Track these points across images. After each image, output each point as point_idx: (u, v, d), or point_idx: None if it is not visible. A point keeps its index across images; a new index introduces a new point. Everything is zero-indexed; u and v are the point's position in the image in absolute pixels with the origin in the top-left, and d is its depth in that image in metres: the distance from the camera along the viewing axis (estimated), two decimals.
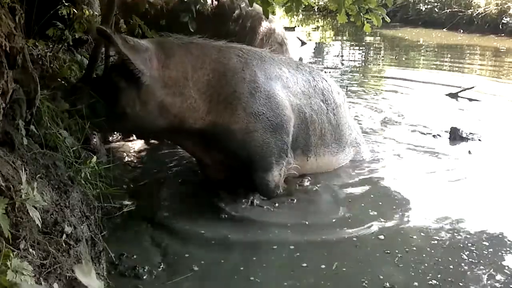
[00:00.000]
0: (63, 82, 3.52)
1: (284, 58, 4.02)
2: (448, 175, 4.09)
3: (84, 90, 3.14)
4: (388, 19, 4.86)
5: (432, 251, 2.95)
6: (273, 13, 5.86)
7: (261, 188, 3.57)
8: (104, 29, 2.97)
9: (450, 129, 5.06)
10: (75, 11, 3.71)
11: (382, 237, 3.11)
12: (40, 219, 1.75)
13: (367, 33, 15.04)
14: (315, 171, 3.98)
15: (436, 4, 16.55)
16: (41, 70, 3.56)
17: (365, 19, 4.56)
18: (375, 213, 3.43)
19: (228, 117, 3.32)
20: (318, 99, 3.87)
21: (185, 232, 3.10)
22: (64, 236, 2.11)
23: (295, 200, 3.62)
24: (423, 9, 16.93)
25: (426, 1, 16.34)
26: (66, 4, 3.81)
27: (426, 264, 2.81)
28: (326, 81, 4.07)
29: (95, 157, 2.86)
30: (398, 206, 3.55)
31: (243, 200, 3.50)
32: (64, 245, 2.08)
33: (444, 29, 15.81)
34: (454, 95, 6.81)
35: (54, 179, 2.48)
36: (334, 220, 3.34)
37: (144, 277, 2.59)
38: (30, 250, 1.88)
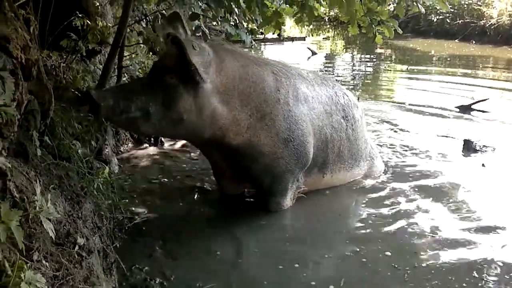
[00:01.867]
0: (76, 92, 3.54)
1: (311, 73, 3.91)
2: (462, 189, 4.04)
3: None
4: (400, 31, 4.85)
5: (443, 268, 2.90)
6: (283, 23, 5.87)
7: (274, 211, 3.56)
8: (178, 36, 2.79)
9: (463, 141, 5.02)
10: (89, 23, 3.74)
11: (388, 253, 3.06)
12: (53, 231, 1.75)
13: (378, 44, 15.12)
14: (327, 186, 3.94)
15: (448, 15, 16.49)
16: (55, 81, 3.59)
17: (376, 30, 4.57)
18: (384, 228, 3.40)
19: (263, 138, 3.22)
20: (339, 116, 3.80)
21: (197, 246, 3.07)
22: (77, 247, 2.11)
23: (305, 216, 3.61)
24: (435, 20, 16.89)
25: (438, 12, 16.27)
26: (80, 15, 3.85)
27: (436, 281, 2.77)
28: (347, 96, 4.00)
29: (107, 168, 2.87)
30: (408, 219, 3.52)
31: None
32: (76, 256, 2.09)
33: (456, 40, 15.75)
34: (467, 107, 6.75)
35: (67, 190, 2.50)
36: (340, 235, 3.32)
37: None
38: (43, 261, 1.89)
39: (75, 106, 3.15)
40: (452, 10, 15.65)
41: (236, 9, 3.92)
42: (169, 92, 2.86)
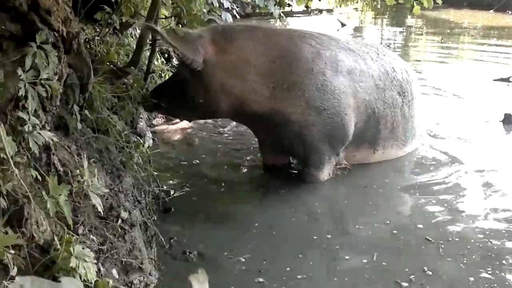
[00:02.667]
0: (111, 66, 3.54)
1: (366, 47, 3.84)
2: (502, 166, 3.91)
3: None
4: (439, 1, 4.69)
5: (479, 244, 2.82)
6: None
7: (309, 182, 3.54)
8: (152, 26, 3.20)
9: (504, 115, 4.85)
10: None
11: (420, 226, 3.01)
12: (101, 206, 1.75)
13: (408, 15, 14.76)
14: (378, 160, 3.88)
15: None
16: (90, 54, 3.59)
17: (414, 0, 4.43)
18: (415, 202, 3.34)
19: (289, 106, 3.28)
20: (395, 92, 3.73)
21: (232, 218, 3.08)
22: (120, 221, 2.13)
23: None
24: None
25: None
26: None
27: (474, 256, 2.70)
28: (406, 71, 3.92)
29: (146, 143, 2.87)
30: (442, 195, 3.43)
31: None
32: (119, 230, 2.10)
33: (491, 11, 15.20)
34: (505, 80, 6.53)
35: (107, 163, 2.50)
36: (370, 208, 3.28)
37: (195, 260, 2.59)
38: (88, 235, 1.90)
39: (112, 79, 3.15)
40: None
41: None
42: (181, 82, 3.24)
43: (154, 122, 4.69)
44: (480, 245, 2.79)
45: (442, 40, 10.50)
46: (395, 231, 2.94)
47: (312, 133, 3.35)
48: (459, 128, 4.77)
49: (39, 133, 1.69)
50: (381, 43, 10.58)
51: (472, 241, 2.84)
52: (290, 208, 3.23)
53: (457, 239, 2.86)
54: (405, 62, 4.13)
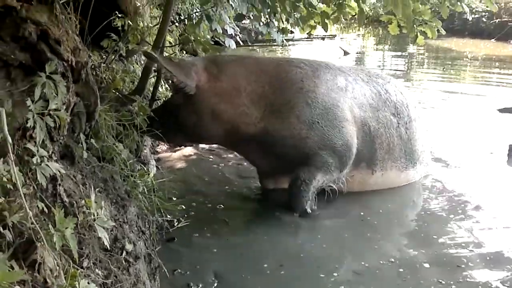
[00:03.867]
0: (116, 93, 3.54)
1: (356, 70, 3.97)
2: (506, 198, 3.88)
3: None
4: (443, 31, 4.72)
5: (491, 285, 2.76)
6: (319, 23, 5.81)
7: (294, 197, 3.50)
8: (150, 52, 3.32)
9: (509, 146, 4.83)
10: (130, 23, 3.73)
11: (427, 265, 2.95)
12: (108, 240, 1.72)
13: (410, 44, 14.87)
14: (380, 186, 3.87)
15: (483, 13, 16.08)
16: (96, 82, 3.59)
17: (418, 31, 4.46)
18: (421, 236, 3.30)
19: (280, 124, 3.41)
20: (388, 112, 3.79)
21: (239, 250, 3.03)
22: (124, 253, 2.09)
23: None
24: (470, 18, 16.49)
25: (473, 10, 15.87)
26: (120, 15, 3.85)
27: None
28: (401, 94, 3.98)
29: (151, 171, 2.85)
30: (451, 230, 3.40)
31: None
32: (124, 262, 2.06)
33: (493, 40, 15.34)
34: (509, 110, 6.51)
35: (112, 193, 2.47)
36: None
37: None
38: (93, 268, 1.86)
39: (118, 107, 3.15)
40: (488, 8, 15.25)
41: (277, 9, 3.86)
42: (174, 107, 3.42)
43: (157, 149, 4.67)
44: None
45: (444, 69, 10.56)
46: (401, 270, 2.87)
47: (308, 146, 3.41)
48: (463, 159, 4.74)
49: (47, 164, 1.66)
50: (382, 71, 10.64)
51: (484, 281, 2.76)
52: (297, 241, 3.19)
53: (469, 280, 2.78)
54: (400, 85, 4.16)
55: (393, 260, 2.96)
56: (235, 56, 3.65)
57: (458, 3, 4.55)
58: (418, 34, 4.44)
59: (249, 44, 12.20)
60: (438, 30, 4.50)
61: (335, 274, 2.80)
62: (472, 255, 3.04)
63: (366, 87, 3.77)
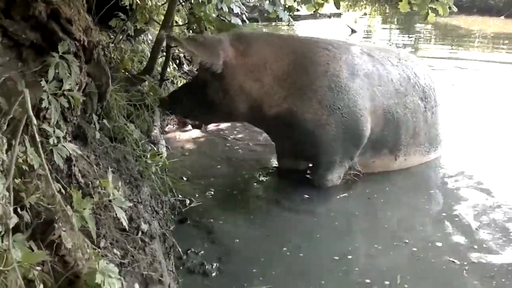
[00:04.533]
0: (126, 73, 3.51)
1: (386, 52, 3.86)
2: None
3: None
4: (455, 8, 4.63)
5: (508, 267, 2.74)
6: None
7: (318, 185, 3.55)
8: (173, 36, 3.37)
9: None
10: (138, 1, 3.68)
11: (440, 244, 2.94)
12: (126, 220, 1.72)
13: (418, 21, 14.67)
14: (400, 168, 3.86)
15: None
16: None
17: (429, 8, 4.38)
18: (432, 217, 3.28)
19: (302, 106, 3.34)
20: (417, 97, 3.73)
21: (251, 229, 3.03)
22: (140, 233, 2.09)
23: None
24: None
25: None
26: None
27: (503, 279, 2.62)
28: (429, 77, 3.92)
29: (165, 152, 2.84)
30: (463, 210, 3.36)
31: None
32: (140, 242, 2.07)
33: (502, 17, 15.11)
34: None
35: (125, 173, 2.47)
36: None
37: (213, 274, 2.55)
38: (110, 248, 1.87)
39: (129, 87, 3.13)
40: None
41: None
42: (201, 85, 3.33)
43: (166, 129, 4.66)
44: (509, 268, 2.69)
45: (452, 47, 10.43)
46: (414, 249, 2.86)
47: (326, 132, 3.36)
48: (478, 136, 4.69)
49: (63, 145, 1.66)
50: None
51: (499, 263, 2.74)
52: (312, 223, 3.16)
53: (482, 261, 2.76)
54: (429, 68, 4.09)
55: (407, 241, 2.94)
56: (260, 32, 3.62)
57: None
58: (429, 11, 4.38)
59: (257, 22, 12.08)
60: (449, 7, 4.43)
61: (349, 257, 2.78)
62: (485, 236, 3.02)
63: (395, 71, 3.68)
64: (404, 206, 3.46)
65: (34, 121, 1.23)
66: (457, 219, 3.23)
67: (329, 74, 3.38)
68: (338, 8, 3.96)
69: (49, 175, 1.40)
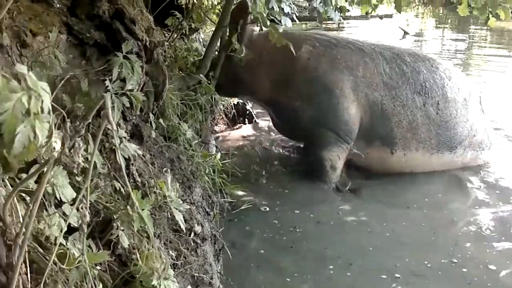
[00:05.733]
0: (181, 72, 3.54)
1: (381, 48, 3.96)
2: None
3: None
4: None
5: None
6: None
7: (316, 166, 3.71)
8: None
9: None
10: (195, 1, 3.70)
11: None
12: (183, 222, 1.72)
13: (472, 24, 14.18)
14: (407, 168, 3.84)
15: None
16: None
17: (490, 12, 4.23)
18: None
19: (283, 95, 3.74)
20: (410, 91, 3.78)
21: (302, 234, 3.01)
22: (193, 234, 2.09)
23: None
24: None
25: None
26: None
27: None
28: (440, 73, 3.90)
29: (219, 154, 2.84)
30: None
31: None
32: (192, 244, 2.07)
33: None
34: None
35: (178, 173, 2.48)
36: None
37: (260, 276, 2.53)
38: (164, 249, 1.88)
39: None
40: None
41: None
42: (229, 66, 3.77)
43: (216, 128, 4.68)
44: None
45: (510, 54, 10.00)
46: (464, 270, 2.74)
47: (308, 118, 3.68)
48: None
49: (126, 145, 1.67)
50: (441, 52, 10.22)
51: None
52: (358, 234, 3.09)
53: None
54: (443, 63, 4.08)
55: (455, 261, 2.82)
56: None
57: None
58: (490, 15, 4.22)
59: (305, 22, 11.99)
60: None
61: (396, 275, 2.68)
62: None
63: (385, 65, 3.80)
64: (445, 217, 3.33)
65: (114, 126, 1.23)
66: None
67: (308, 69, 3.71)
68: (399, 12, 3.85)
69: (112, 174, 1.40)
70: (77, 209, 1.19)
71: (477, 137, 4.00)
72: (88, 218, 1.57)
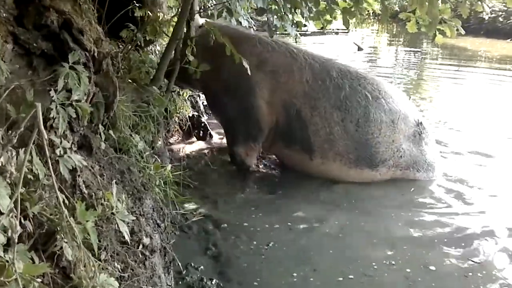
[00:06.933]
0: (133, 84, 3.52)
1: (313, 59, 4.12)
2: None
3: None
4: (463, 31, 4.64)
5: None
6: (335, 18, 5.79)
7: (231, 158, 4.17)
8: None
9: None
10: (150, 14, 3.70)
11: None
12: (128, 234, 1.71)
13: (424, 40, 14.71)
14: (326, 175, 4.01)
15: (500, 13, 15.87)
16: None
17: (437, 29, 4.40)
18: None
19: (212, 82, 4.04)
20: (329, 105, 3.95)
21: (253, 244, 3.02)
22: (141, 246, 2.08)
23: None
24: (486, 18, 16.28)
25: (490, 10, 15.63)
26: (137, 5, 3.82)
27: None
28: (360, 92, 4.00)
29: (169, 165, 2.83)
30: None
31: None
32: (140, 256, 2.05)
33: (509, 40, 15.13)
34: None
35: (128, 185, 2.46)
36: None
37: None
38: (110, 261, 1.85)
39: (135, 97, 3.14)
40: (506, 8, 15.05)
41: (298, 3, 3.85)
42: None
43: (171, 140, 4.66)
44: None
45: (459, 69, 10.42)
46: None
47: (228, 110, 4.05)
48: (476, 160, 4.69)
49: (70, 156, 1.65)
50: (395, 67, 10.54)
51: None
52: (321, 240, 3.16)
53: None
54: (377, 84, 4.16)
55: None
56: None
57: (479, 2, 4.47)
58: (437, 33, 4.39)
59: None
60: (457, 30, 4.44)
61: (350, 277, 2.77)
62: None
63: (310, 77, 4.00)
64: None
65: (45, 135, 1.22)
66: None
67: (235, 66, 3.62)
68: (347, 27, 3.97)
69: (55, 184, 1.39)
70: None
71: (403, 157, 4.02)
72: (20, 228, 1.55)
